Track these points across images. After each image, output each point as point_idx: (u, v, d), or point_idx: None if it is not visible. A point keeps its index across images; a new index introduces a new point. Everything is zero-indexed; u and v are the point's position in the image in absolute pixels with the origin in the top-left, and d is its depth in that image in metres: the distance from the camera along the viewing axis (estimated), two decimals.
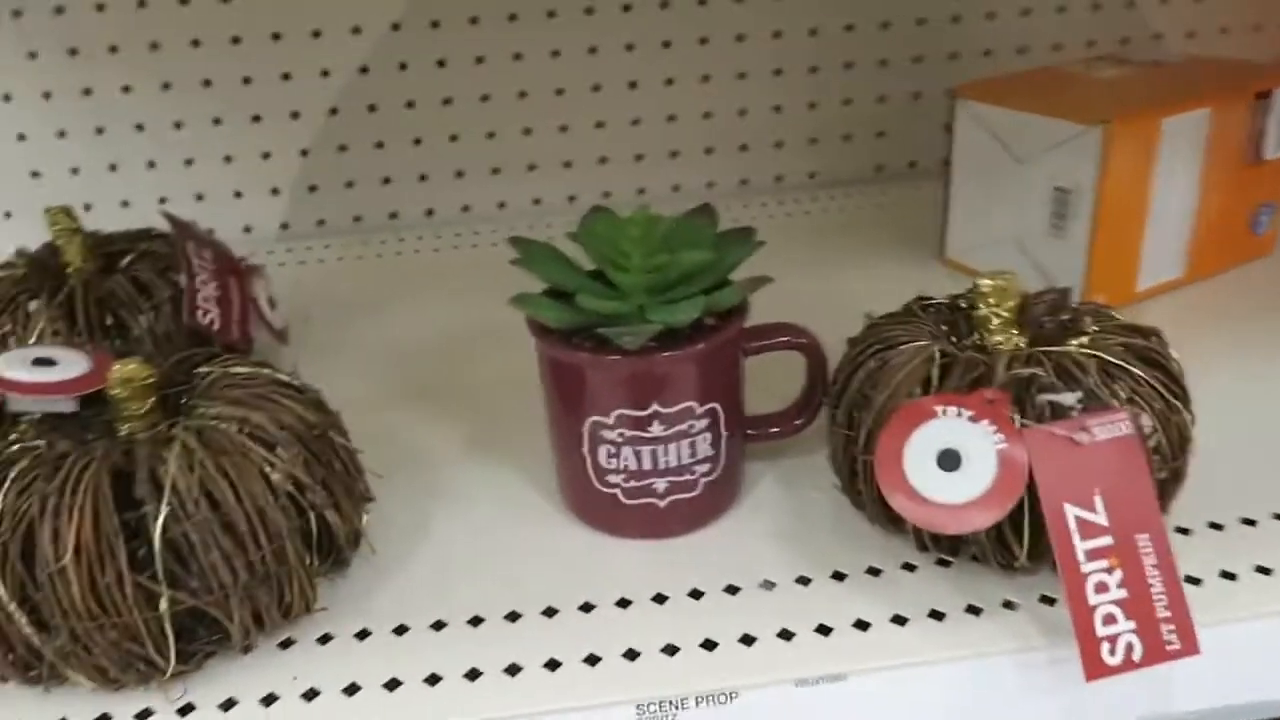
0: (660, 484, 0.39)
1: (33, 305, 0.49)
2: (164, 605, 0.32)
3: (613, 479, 0.39)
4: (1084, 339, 0.37)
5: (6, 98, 0.71)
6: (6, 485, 0.32)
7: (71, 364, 0.36)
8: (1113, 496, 0.33)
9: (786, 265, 0.66)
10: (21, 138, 0.73)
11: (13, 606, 0.31)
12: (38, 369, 0.35)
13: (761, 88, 0.77)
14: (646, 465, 0.38)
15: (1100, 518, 0.32)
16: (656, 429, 0.37)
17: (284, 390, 0.37)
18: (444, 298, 0.65)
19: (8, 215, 0.75)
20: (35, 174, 0.74)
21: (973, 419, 0.34)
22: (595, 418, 0.38)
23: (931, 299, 0.42)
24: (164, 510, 0.31)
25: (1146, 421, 0.35)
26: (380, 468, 0.45)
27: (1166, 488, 0.36)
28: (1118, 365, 0.35)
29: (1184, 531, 0.38)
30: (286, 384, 0.38)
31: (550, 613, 0.36)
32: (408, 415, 0.51)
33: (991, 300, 0.37)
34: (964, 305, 0.41)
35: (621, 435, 0.38)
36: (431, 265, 0.71)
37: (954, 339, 0.39)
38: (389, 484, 0.44)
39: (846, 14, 0.75)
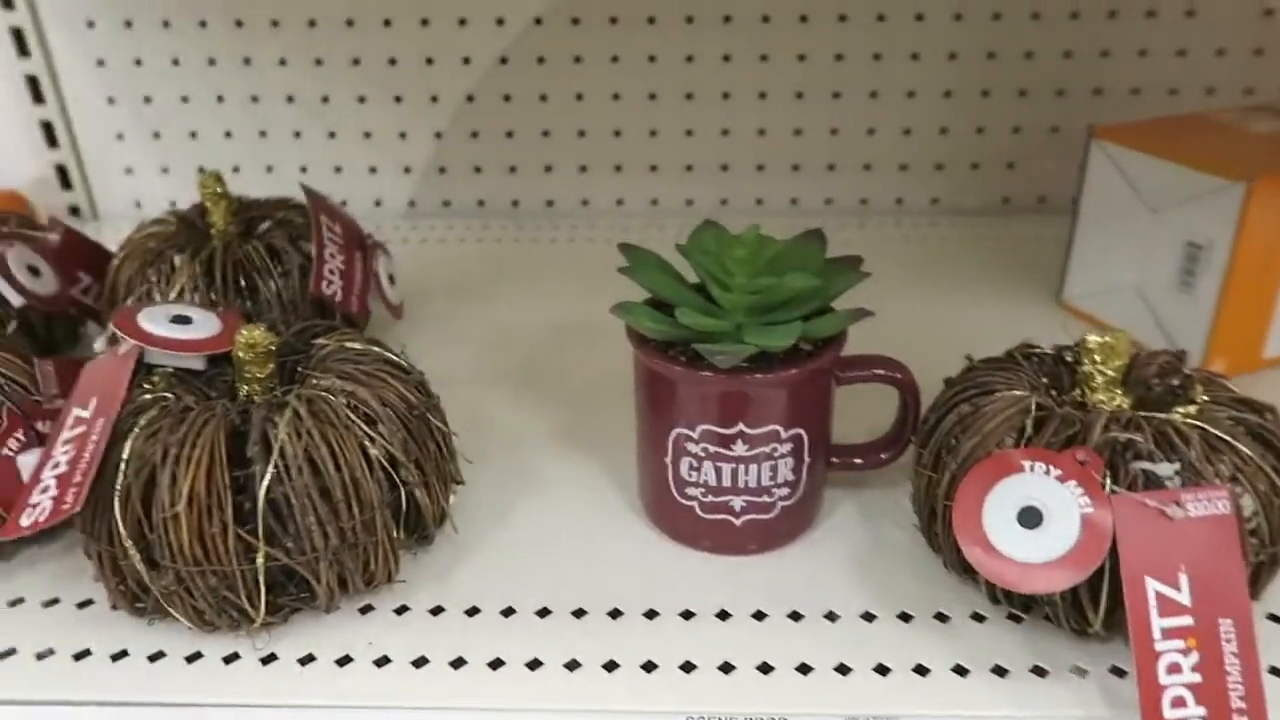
0: (737, 502, 0.39)
1: (178, 260, 0.52)
2: (260, 559, 0.34)
3: (691, 491, 0.39)
4: (1191, 408, 0.36)
5: (175, 62, 0.76)
6: (136, 431, 0.34)
7: (204, 324, 0.39)
8: (1199, 576, 0.31)
9: (898, 291, 0.65)
10: (185, 100, 0.78)
11: (129, 543, 0.34)
12: (175, 326, 0.38)
13: (892, 109, 0.76)
14: (726, 482, 0.39)
15: (1183, 596, 0.31)
16: (739, 448, 0.38)
17: (391, 369, 0.39)
18: (556, 288, 0.66)
19: (165, 170, 0.81)
20: (193, 134, 0.79)
21: (1060, 478, 0.33)
22: (681, 430, 0.38)
23: (1036, 348, 0.41)
24: (270, 471, 0.34)
25: (1248, 503, 0.33)
26: (472, 450, 0.47)
27: (1261, 572, 0.35)
28: (1223, 440, 0.34)
29: (1276, 619, 0.36)
30: (394, 363, 0.40)
31: (615, 614, 0.37)
32: (505, 400, 0.52)
33: (1098, 358, 0.36)
34: (1069, 359, 0.40)
35: (705, 450, 0.38)
36: (548, 255, 0.73)
37: (1054, 392, 0.38)
38: (478, 468, 0.46)
39: (989, 41, 0.73)
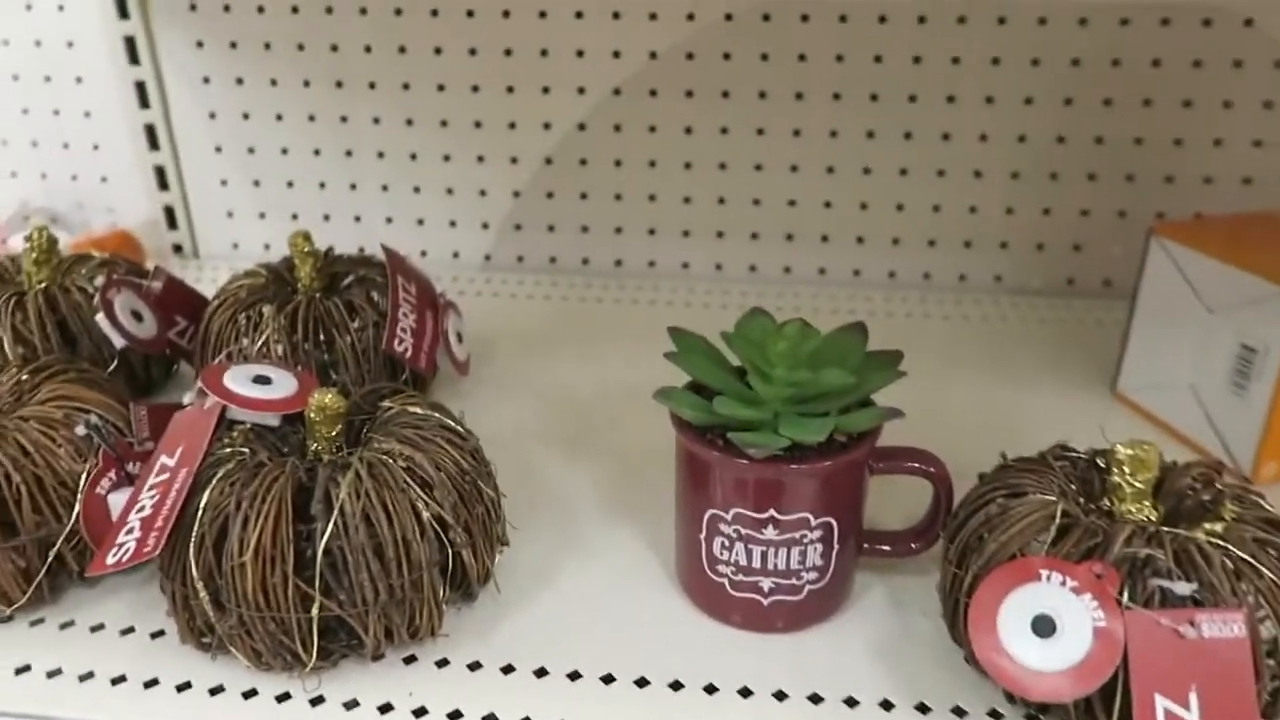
0: (766, 583, 0.41)
1: (265, 311, 0.56)
2: (315, 609, 0.37)
3: (722, 569, 0.41)
4: (1219, 525, 0.36)
5: (279, 117, 0.82)
6: (215, 482, 0.38)
7: (282, 384, 0.42)
8: (1211, 697, 0.32)
9: (952, 367, 0.66)
10: (284, 151, 0.83)
11: (200, 585, 0.37)
12: (256, 385, 0.42)
13: (958, 187, 0.77)
14: (755, 563, 0.40)
15: (1192, 715, 0.32)
16: (770, 532, 0.40)
17: (449, 435, 0.42)
18: (619, 349, 0.69)
19: (262, 216, 0.86)
20: (290, 184, 0.85)
21: (1076, 590, 0.34)
22: (715, 510, 0.40)
23: (1071, 450, 0.42)
24: (329, 528, 0.37)
25: (1268, 630, 0.34)
26: (521, 509, 0.49)
27: (1278, 698, 0.35)
28: (1247, 562, 0.35)
29: None
30: (452, 429, 0.43)
31: (642, 683, 0.39)
32: (557, 460, 0.55)
33: (1127, 469, 0.37)
34: (1102, 464, 0.40)
35: (736, 532, 0.40)
36: (615, 314, 0.76)
37: (1083, 498, 0.39)
38: (525, 527, 0.48)
39: (1059, 125, 0.74)
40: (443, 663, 0.40)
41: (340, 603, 0.37)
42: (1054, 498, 0.38)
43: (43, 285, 0.56)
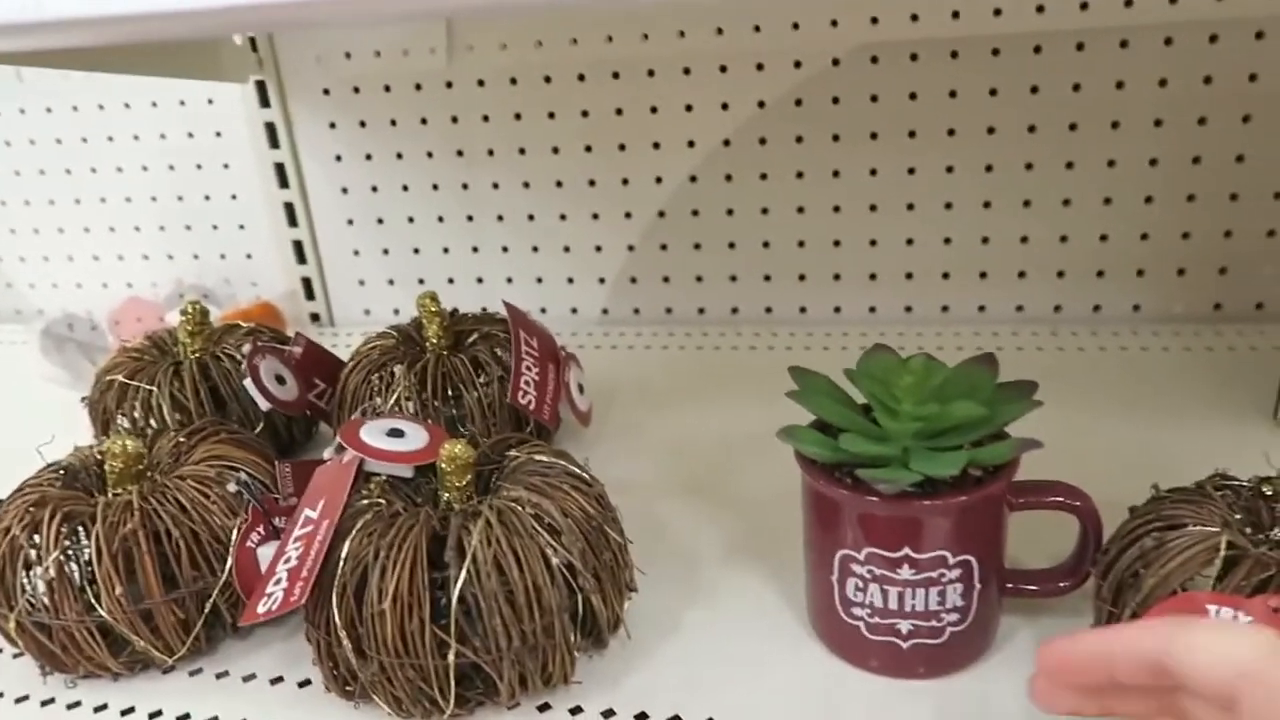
0: (904, 625, 0.39)
1: (397, 371, 0.59)
2: (451, 656, 0.37)
3: (857, 612, 0.40)
4: None
5: (405, 188, 0.86)
6: (354, 533, 0.39)
7: (415, 437, 0.44)
8: None
9: (1090, 399, 0.63)
10: (410, 220, 0.87)
11: (343, 633, 0.38)
12: (390, 438, 0.43)
13: (1087, 215, 0.74)
14: (892, 605, 0.39)
15: None
16: (906, 572, 0.38)
17: (575, 481, 0.43)
18: (738, 396, 0.69)
19: (390, 282, 0.90)
20: (416, 250, 0.88)
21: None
22: (847, 551, 0.39)
23: (1232, 479, 0.39)
24: (463, 575, 0.37)
25: None
26: (647, 556, 0.49)
27: None
28: None
29: None
30: (577, 476, 0.43)
31: None
32: (681, 507, 0.55)
33: None
34: (1268, 492, 0.38)
35: (870, 572, 0.39)
36: (732, 361, 0.76)
37: (1249, 529, 0.36)
38: (652, 575, 0.48)
39: (1194, 146, 0.71)
40: (576, 710, 0.40)
41: (475, 649, 0.38)
42: (1217, 529, 0.35)
43: (196, 355, 0.60)
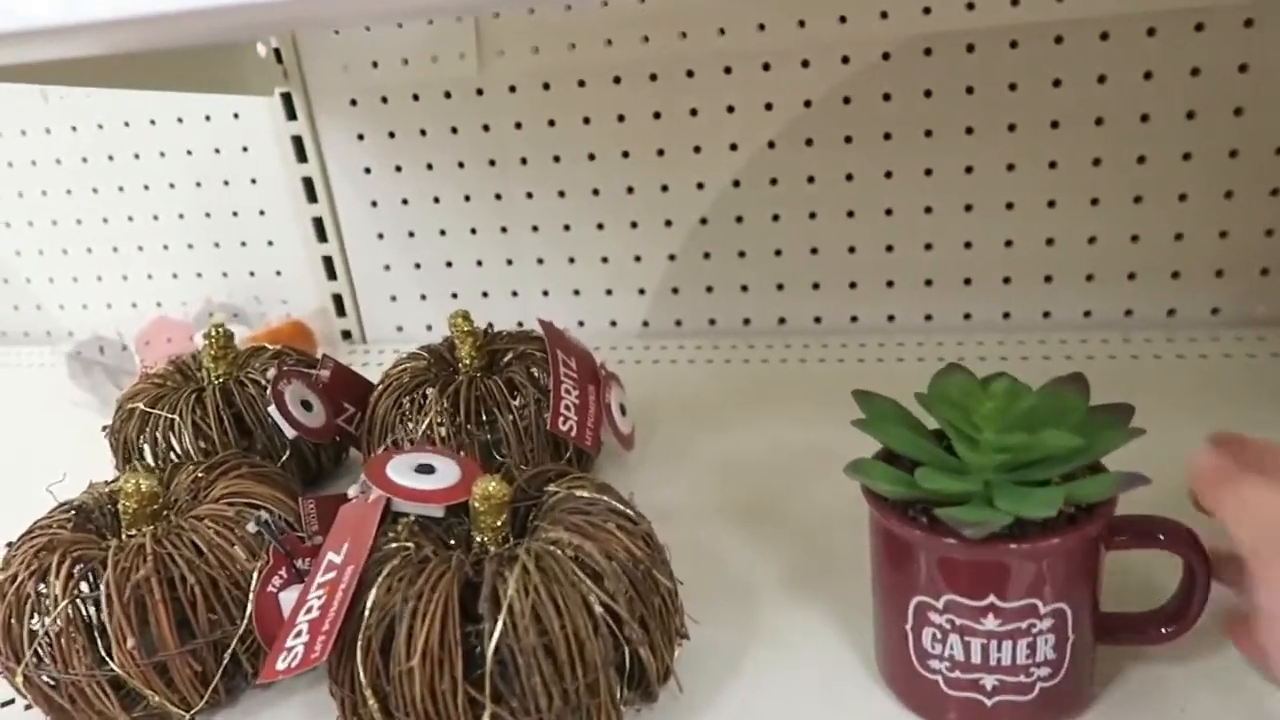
0: (989, 681, 0.35)
1: (429, 393, 0.56)
2: (486, 717, 0.34)
3: (935, 664, 0.36)
4: None
5: (436, 200, 0.83)
6: (380, 580, 0.36)
7: (445, 473, 0.41)
8: None
9: (1171, 413, 0.58)
10: (442, 233, 0.84)
11: (368, 692, 0.35)
12: (419, 475, 0.40)
13: (1160, 212, 0.69)
14: (975, 659, 0.35)
15: None
16: (991, 623, 0.34)
17: (618, 519, 0.39)
18: (788, 410, 0.65)
19: (423, 297, 0.87)
20: (449, 264, 0.85)
21: None
22: (923, 598, 0.35)
23: None
24: (499, 628, 0.34)
25: None
26: (698, 596, 0.45)
27: None
28: None
29: None
30: (621, 513, 0.39)
31: None
32: (733, 535, 0.51)
33: None
34: None
35: (950, 622, 0.35)
36: (780, 374, 0.72)
37: None
38: (704, 617, 0.44)
39: (1277, 137, 0.66)
40: None
41: (512, 710, 0.34)
42: None
43: (220, 380, 0.57)
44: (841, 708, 0.39)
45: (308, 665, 0.35)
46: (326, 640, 0.35)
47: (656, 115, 0.76)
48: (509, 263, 0.84)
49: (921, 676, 0.36)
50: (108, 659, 0.39)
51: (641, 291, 0.82)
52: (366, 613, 0.35)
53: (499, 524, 0.38)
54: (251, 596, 0.40)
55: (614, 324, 0.84)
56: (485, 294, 0.86)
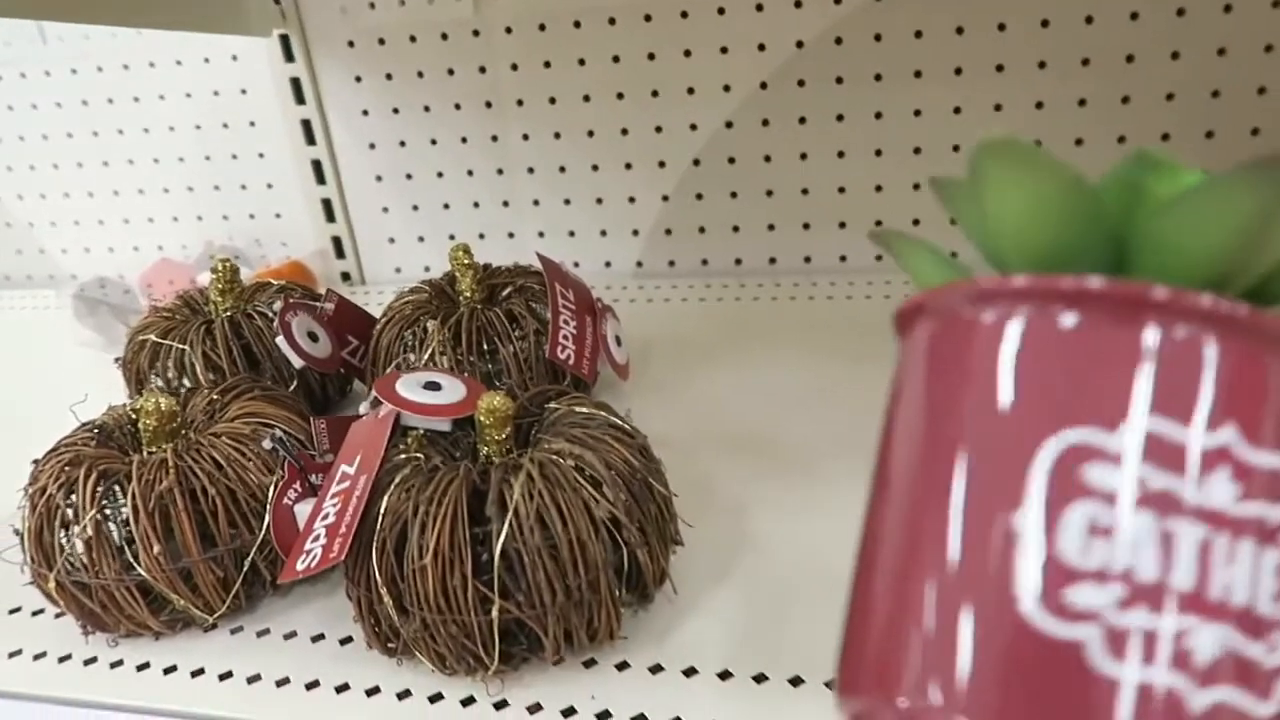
0: (1208, 638, 0.18)
1: (430, 325, 0.58)
2: (494, 611, 0.36)
3: (1087, 593, 0.18)
4: None
5: (433, 141, 0.84)
6: (392, 488, 0.38)
7: (452, 390, 0.43)
8: None
9: None
10: (440, 175, 0.86)
11: (384, 590, 0.37)
12: (427, 391, 0.42)
13: (1188, 151, 0.71)
14: (1186, 578, 0.18)
15: None
16: (1227, 494, 0.18)
17: (616, 433, 0.41)
18: (778, 347, 0.67)
19: (421, 239, 0.89)
20: (446, 206, 0.87)
21: None
22: (1089, 430, 0.18)
23: None
24: (505, 529, 0.36)
25: None
26: (691, 509, 0.48)
27: None
28: None
29: None
30: (619, 427, 0.42)
31: (833, 684, 0.37)
32: (726, 462, 0.53)
33: None
34: None
35: (1142, 486, 0.18)
36: (771, 313, 0.74)
37: None
38: (697, 528, 0.47)
39: (1258, 77, 0.67)
40: (623, 665, 0.39)
41: (519, 604, 0.37)
42: None
43: (228, 313, 0.59)
44: (826, 608, 0.41)
45: (325, 565, 0.37)
46: (344, 542, 0.37)
47: (651, 57, 0.77)
48: (505, 204, 0.85)
49: (1053, 640, 0.18)
50: (135, 565, 0.41)
51: (635, 232, 0.84)
52: (380, 517, 0.38)
53: (503, 437, 0.41)
54: (269, 508, 0.43)
55: (609, 264, 0.86)
56: (482, 235, 0.87)
